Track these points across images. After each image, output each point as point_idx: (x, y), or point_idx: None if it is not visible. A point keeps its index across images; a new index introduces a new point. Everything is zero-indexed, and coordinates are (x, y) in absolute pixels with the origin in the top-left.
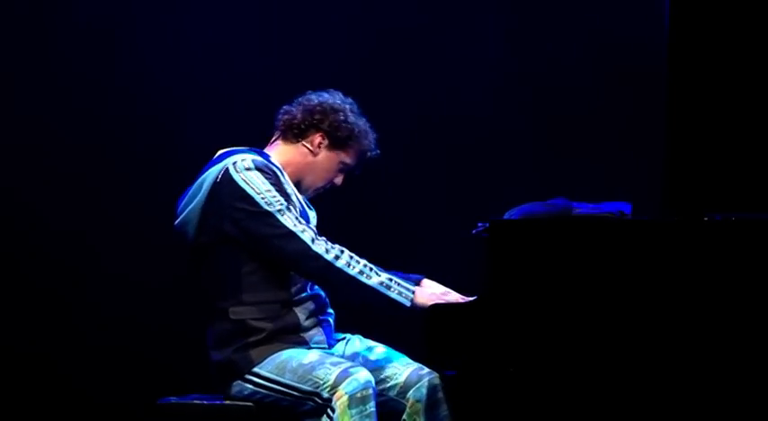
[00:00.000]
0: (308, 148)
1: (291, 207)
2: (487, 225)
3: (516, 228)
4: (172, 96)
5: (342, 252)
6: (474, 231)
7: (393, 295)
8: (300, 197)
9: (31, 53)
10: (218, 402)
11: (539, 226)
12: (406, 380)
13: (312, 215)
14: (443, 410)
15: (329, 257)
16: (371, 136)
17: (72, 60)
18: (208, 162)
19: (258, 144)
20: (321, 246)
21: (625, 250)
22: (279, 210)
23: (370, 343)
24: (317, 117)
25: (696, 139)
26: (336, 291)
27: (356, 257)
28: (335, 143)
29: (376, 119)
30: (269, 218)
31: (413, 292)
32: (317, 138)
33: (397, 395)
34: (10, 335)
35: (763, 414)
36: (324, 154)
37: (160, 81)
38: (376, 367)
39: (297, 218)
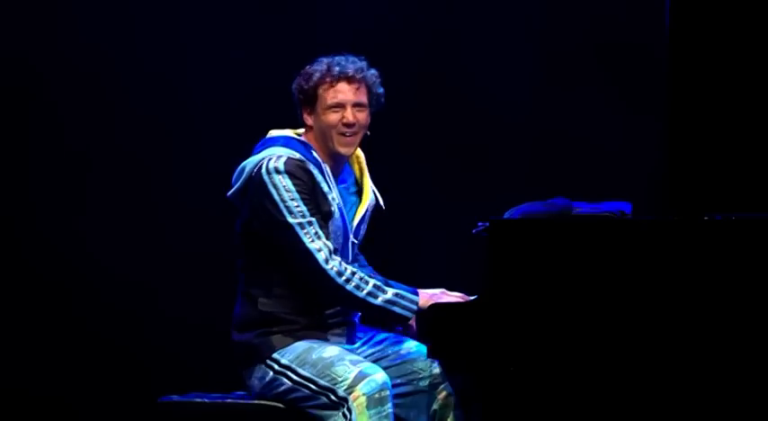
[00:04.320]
0: (309, 125)
1: (316, 217)
2: (487, 225)
3: (516, 228)
4: (182, 89)
5: (353, 274)
6: (474, 231)
7: (397, 310)
8: (337, 197)
9: (31, 53)
10: (219, 400)
11: (538, 225)
12: (440, 373)
13: (366, 201)
14: (476, 406)
15: (340, 280)
16: (319, 64)
17: (75, 56)
18: (258, 142)
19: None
20: (333, 269)
21: (625, 250)
22: (299, 224)
23: (401, 338)
24: (294, 100)
25: (696, 140)
26: (344, 307)
27: (366, 278)
28: (309, 102)
29: (376, 119)
30: (288, 230)
31: (416, 304)
32: (304, 113)
33: (428, 386)
34: (10, 335)
35: (763, 414)
36: (315, 117)
37: (167, 73)
38: (408, 359)
39: (317, 232)
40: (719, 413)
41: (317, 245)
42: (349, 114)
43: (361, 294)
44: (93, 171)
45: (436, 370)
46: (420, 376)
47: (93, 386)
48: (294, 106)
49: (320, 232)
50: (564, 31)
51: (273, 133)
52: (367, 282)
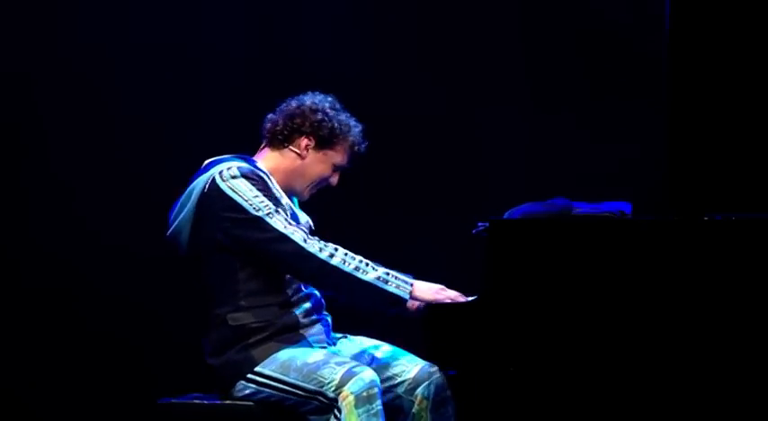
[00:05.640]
0: (295, 152)
1: (281, 210)
2: (487, 225)
3: (516, 228)
4: (165, 103)
5: (336, 250)
6: (474, 231)
7: (391, 289)
8: (289, 202)
9: (31, 55)
10: (218, 402)
11: (538, 226)
12: (415, 377)
13: (305, 219)
14: (451, 408)
15: (323, 256)
16: (356, 129)
17: (70, 69)
18: (196, 171)
19: (248, 152)
20: (314, 246)
21: (625, 250)
22: (268, 214)
23: (376, 341)
24: (297, 121)
25: (697, 139)
26: (334, 289)
27: (351, 254)
28: (321, 143)
29: (376, 119)
30: (258, 222)
31: (411, 285)
32: (303, 141)
33: (405, 392)
34: (10, 335)
35: (763, 414)
36: (312, 155)
37: (151, 87)
38: (384, 364)
39: (286, 219)
40: (719, 413)
41: (291, 229)
42: (336, 179)
43: (348, 268)
44: (93, 171)
45: (411, 374)
46: (396, 381)
47: (93, 387)
48: (280, 127)
49: (290, 219)
50: (565, 30)
51: (210, 160)
52: (354, 258)
